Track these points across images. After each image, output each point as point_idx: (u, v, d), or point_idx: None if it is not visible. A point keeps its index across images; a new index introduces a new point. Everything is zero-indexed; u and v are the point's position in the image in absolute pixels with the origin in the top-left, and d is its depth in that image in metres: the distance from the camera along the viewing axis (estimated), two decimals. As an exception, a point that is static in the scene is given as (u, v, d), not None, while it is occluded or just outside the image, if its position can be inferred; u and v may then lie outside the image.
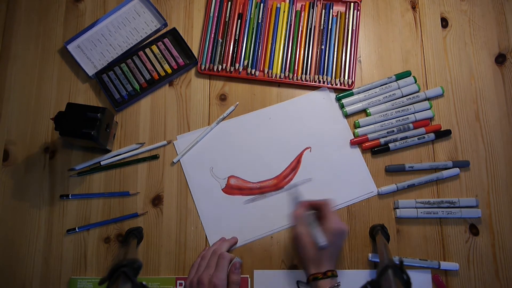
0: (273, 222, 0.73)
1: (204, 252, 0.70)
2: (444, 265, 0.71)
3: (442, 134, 0.76)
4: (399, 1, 0.84)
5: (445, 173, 0.74)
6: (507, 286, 0.71)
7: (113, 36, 0.81)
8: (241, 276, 0.70)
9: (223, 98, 0.79)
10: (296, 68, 0.80)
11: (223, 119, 0.78)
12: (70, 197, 0.74)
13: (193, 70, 0.81)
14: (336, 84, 0.79)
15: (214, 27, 0.81)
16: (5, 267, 0.72)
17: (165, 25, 0.82)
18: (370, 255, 0.72)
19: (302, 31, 0.81)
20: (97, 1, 0.83)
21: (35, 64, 0.80)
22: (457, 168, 0.75)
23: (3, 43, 0.81)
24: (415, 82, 0.79)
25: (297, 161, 0.76)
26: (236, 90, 0.80)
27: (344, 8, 0.83)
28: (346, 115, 0.78)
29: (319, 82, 0.79)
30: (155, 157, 0.76)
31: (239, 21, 0.82)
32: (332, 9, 0.82)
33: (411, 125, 0.77)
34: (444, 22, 0.83)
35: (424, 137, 0.76)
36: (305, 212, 0.66)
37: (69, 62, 0.81)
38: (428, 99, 0.79)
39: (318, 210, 0.67)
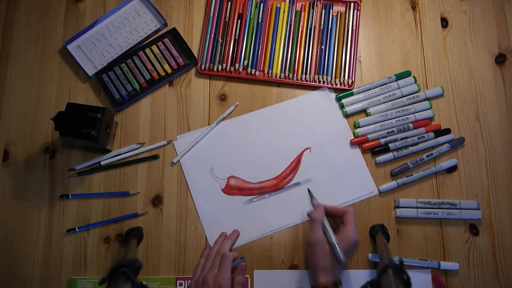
0: (273, 222, 0.73)
1: (207, 251, 0.71)
2: (444, 265, 0.71)
3: (441, 134, 0.76)
4: (399, 1, 0.84)
5: (444, 164, 0.75)
6: (507, 286, 0.71)
7: (113, 36, 0.81)
8: (241, 276, 0.71)
9: (223, 98, 0.79)
10: (296, 68, 0.80)
11: (223, 119, 0.78)
12: (70, 197, 0.74)
13: (193, 70, 0.81)
14: (336, 84, 0.79)
15: (214, 27, 0.81)
16: (5, 267, 0.72)
17: (165, 25, 0.82)
18: (370, 255, 0.72)
19: (302, 31, 0.81)
20: (97, 1, 0.83)
21: (35, 64, 0.80)
22: (455, 159, 0.76)
23: (3, 43, 0.81)
24: (415, 82, 0.79)
25: (297, 161, 0.76)
26: (236, 90, 0.80)
27: (344, 8, 0.83)
28: (346, 115, 0.78)
29: (319, 82, 0.79)
30: (155, 157, 0.76)
31: (239, 21, 0.82)
32: (332, 9, 0.82)
33: (411, 125, 0.77)
34: (444, 22, 0.83)
35: (424, 137, 0.76)
36: (323, 218, 0.65)
37: (69, 62, 0.81)
38: (428, 99, 0.79)
39: (336, 217, 0.67)
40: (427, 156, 0.75)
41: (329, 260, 0.61)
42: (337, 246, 0.61)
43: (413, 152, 0.76)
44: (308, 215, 0.67)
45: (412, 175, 0.74)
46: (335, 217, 0.67)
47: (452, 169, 0.76)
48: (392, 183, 0.74)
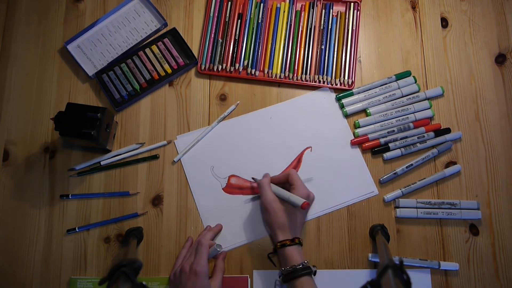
0: (273, 222, 0.73)
1: (189, 243, 0.72)
2: (444, 265, 0.71)
3: (441, 133, 0.76)
4: (399, 1, 0.84)
5: (447, 171, 0.75)
6: (507, 286, 0.71)
7: (113, 36, 0.81)
8: (241, 275, 0.71)
9: (223, 98, 0.79)
10: (296, 68, 0.80)
11: (224, 118, 0.78)
12: (70, 197, 0.74)
13: (193, 70, 0.81)
14: (336, 84, 0.79)
15: (214, 27, 0.81)
16: (5, 267, 0.72)
17: (165, 25, 0.82)
18: (370, 255, 0.72)
19: (302, 31, 0.81)
20: (97, 1, 0.83)
21: (35, 64, 0.80)
22: (459, 165, 0.75)
23: (3, 43, 0.81)
24: (415, 82, 0.79)
25: (298, 160, 0.76)
26: (236, 90, 0.80)
27: (344, 8, 0.83)
28: (346, 115, 0.78)
29: (319, 82, 0.79)
30: (155, 157, 0.76)
31: (239, 21, 0.82)
32: (332, 9, 0.82)
33: (411, 125, 0.77)
34: (444, 22, 0.83)
35: (424, 136, 0.76)
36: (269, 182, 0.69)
37: (69, 62, 0.81)
38: (428, 99, 0.79)
39: (284, 183, 0.70)
40: (422, 159, 0.75)
41: (283, 217, 0.65)
42: (288, 195, 0.65)
43: (413, 151, 0.76)
44: (257, 182, 0.71)
45: (416, 182, 0.74)
46: (283, 184, 0.70)
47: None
48: (396, 192, 0.74)
